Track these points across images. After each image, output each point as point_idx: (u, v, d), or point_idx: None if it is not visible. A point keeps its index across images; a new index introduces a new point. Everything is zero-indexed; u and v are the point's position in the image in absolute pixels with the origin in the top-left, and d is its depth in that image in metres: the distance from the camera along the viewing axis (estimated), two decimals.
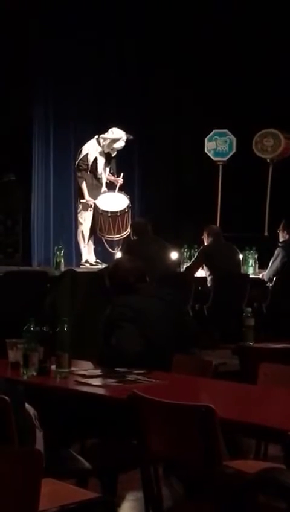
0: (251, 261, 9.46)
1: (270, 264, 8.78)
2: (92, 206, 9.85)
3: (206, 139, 11.37)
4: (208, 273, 8.90)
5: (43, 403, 3.77)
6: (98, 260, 9.96)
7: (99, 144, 9.97)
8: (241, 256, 9.31)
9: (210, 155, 11.38)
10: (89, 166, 9.88)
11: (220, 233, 9.32)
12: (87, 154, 9.93)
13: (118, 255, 9.36)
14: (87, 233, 9.91)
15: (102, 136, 9.99)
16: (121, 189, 10.10)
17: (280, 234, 8.90)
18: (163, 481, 3.79)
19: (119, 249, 9.75)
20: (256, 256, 9.52)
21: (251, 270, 9.39)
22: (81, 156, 9.96)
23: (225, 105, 11.24)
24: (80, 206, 9.98)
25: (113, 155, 10.10)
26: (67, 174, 11.29)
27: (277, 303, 8.23)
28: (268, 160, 11.18)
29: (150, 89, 11.83)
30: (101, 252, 10.14)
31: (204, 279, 8.90)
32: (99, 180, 9.97)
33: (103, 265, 9.35)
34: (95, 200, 9.88)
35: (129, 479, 4.17)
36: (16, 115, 11.22)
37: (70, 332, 4.37)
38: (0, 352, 4.50)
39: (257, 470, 3.40)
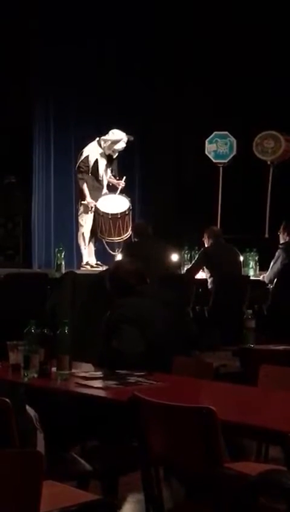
0: (251, 263, 9.46)
1: (270, 265, 8.78)
2: (93, 208, 9.86)
3: (206, 141, 11.37)
4: (208, 275, 8.90)
5: (44, 405, 3.77)
6: (98, 262, 9.95)
7: (100, 145, 9.97)
8: (241, 258, 9.32)
9: (211, 157, 11.38)
10: (90, 168, 9.88)
11: (221, 235, 9.32)
12: (88, 156, 9.93)
13: (119, 257, 9.36)
14: (87, 235, 9.91)
15: (103, 137, 9.99)
16: (122, 191, 10.10)
17: (281, 236, 8.90)
18: (164, 483, 3.79)
19: (120, 251, 9.75)
20: (257, 258, 9.52)
21: (252, 271, 9.39)
22: (82, 158, 9.95)
23: (225, 107, 11.25)
24: (81, 208, 9.98)
25: (114, 157, 10.10)
26: (67, 176, 11.29)
27: (277, 305, 8.23)
28: (269, 162, 11.18)
29: (150, 91, 11.83)
30: (102, 254, 10.14)
31: (205, 281, 8.90)
32: (100, 182, 9.96)
33: (104, 267, 9.34)
34: (96, 202, 9.88)
35: (130, 480, 4.17)
36: (16, 117, 11.23)
37: (71, 334, 4.38)
38: (1, 354, 4.50)
39: (257, 471, 3.40)
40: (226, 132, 11.30)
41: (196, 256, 9.28)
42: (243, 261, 9.37)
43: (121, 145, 9.97)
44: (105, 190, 10.01)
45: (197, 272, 9.08)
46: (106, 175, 10.01)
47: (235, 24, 11.34)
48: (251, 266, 9.44)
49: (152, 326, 4.61)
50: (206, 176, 11.42)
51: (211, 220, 10.62)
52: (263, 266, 9.29)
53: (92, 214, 9.87)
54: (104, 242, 9.97)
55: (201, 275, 9.07)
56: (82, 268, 9.82)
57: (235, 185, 11.29)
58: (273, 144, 11.07)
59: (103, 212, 9.78)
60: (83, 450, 4.28)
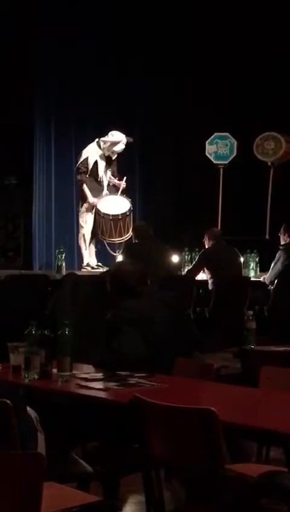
0: (252, 264, 9.46)
1: (271, 267, 8.78)
2: (94, 209, 9.85)
3: (207, 142, 11.38)
4: (209, 276, 8.90)
5: (44, 406, 3.77)
6: (99, 263, 9.96)
7: (99, 147, 9.97)
8: (242, 259, 9.32)
9: (211, 158, 11.38)
10: (89, 169, 9.89)
11: (221, 236, 9.32)
12: (87, 157, 9.93)
13: (120, 258, 9.36)
14: (88, 236, 9.91)
15: (102, 139, 10.00)
16: (123, 192, 10.10)
17: (281, 237, 8.91)
18: (164, 484, 3.79)
19: (120, 252, 9.75)
20: (257, 259, 9.53)
21: (252, 273, 9.39)
22: (81, 159, 9.96)
23: (225, 109, 11.25)
24: (82, 209, 9.98)
25: (113, 158, 10.10)
26: (68, 177, 11.29)
27: (278, 306, 8.23)
28: (269, 163, 11.18)
29: (151, 92, 11.84)
30: (102, 255, 10.14)
31: (205, 282, 8.90)
32: (99, 183, 9.97)
33: (104, 269, 9.34)
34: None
35: (131, 482, 4.16)
36: (17, 118, 11.23)
37: (72, 336, 4.37)
38: (2, 355, 4.50)
39: (258, 473, 3.40)
40: (227, 133, 11.30)
41: (197, 258, 9.28)
42: (244, 262, 9.38)
43: (120, 147, 9.97)
44: (105, 191, 10.01)
45: (198, 273, 9.08)
46: (105, 176, 10.02)
47: (236, 25, 11.34)
48: (251, 267, 9.44)
49: (153, 327, 4.61)
50: (207, 177, 11.42)
51: (211, 221, 10.62)
52: (264, 267, 9.29)
53: (93, 215, 9.88)
54: (105, 243, 9.97)
55: (202, 276, 9.07)
56: (83, 270, 9.82)
57: (235, 186, 11.29)
58: (274, 145, 11.07)
59: (103, 213, 9.78)
60: (83, 451, 4.28)
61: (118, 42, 11.79)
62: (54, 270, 9.45)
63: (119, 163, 10.32)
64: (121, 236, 9.80)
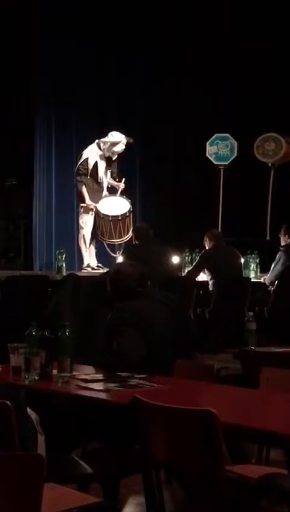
0: (252, 265, 9.46)
1: (271, 268, 8.78)
2: (94, 210, 9.86)
3: (207, 143, 11.38)
4: (209, 277, 8.90)
5: (44, 407, 3.77)
6: (99, 264, 9.96)
7: (99, 147, 9.98)
8: (242, 260, 9.32)
9: (211, 159, 11.38)
10: (89, 170, 9.89)
11: (221, 238, 9.33)
12: (87, 158, 9.94)
13: (120, 259, 9.37)
14: (88, 237, 9.91)
15: (102, 139, 10.00)
16: (123, 193, 10.11)
17: (282, 238, 8.91)
18: (165, 485, 3.79)
19: (120, 253, 9.75)
20: (258, 260, 9.53)
21: (253, 274, 9.39)
22: (81, 160, 9.97)
23: (226, 110, 11.25)
24: (81, 210, 9.98)
25: (113, 159, 10.11)
26: (68, 178, 11.30)
27: (278, 307, 8.22)
28: (269, 165, 11.19)
29: (151, 93, 11.84)
30: (103, 256, 10.14)
31: (206, 283, 8.90)
32: (100, 184, 9.97)
33: (105, 270, 9.34)
34: (96, 204, 9.88)
35: (131, 483, 4.16)
36: (17, 119, 11.24)
37: (72, 337, 4.37)
38: (2, 356, 4.50)
39: (259, 474, 3.40)
40: (227, 134, 11.30)
41: (197, 259, 9.28)
42: (244, 263, 9.38)
43: (120, 147, 9.97)
44: (105, 192, 10.02)
45: (198, 274, 9.08)
46: (105, 177, 10.02)
47: (236, 25, 11.35)
48: (251, 268, 9.44)
49: (153, 328, 4.61)
50: (207, 178, 11.43)
51: (212, 222, 10.62)
52: (264, 268, 9.29)
53: (93, 216, 9.88)
54: (105, 244, 9.97)
55: (202, 277, 9.07)
56: (83, 271, 9.82)
57: (236, 187, 11.29)
58: (274, 146, 11.07)
59: (103, 214, 9.79)
60: (83, 452, 4.28)
61: (118, 42, 11.80)
62: (54, 271, 9.46)
63: (120, 164, 10.33)
64: (121, 238, 9.81)
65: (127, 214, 9.85)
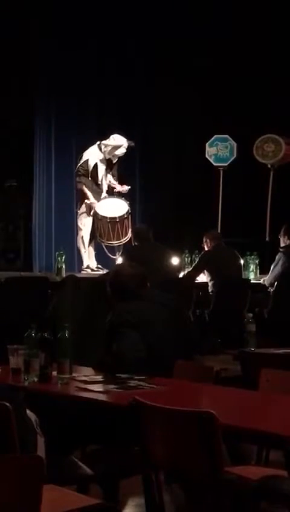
0: (252, 266, 9.46)
1: (271, 269, 8.78)
2: (92, 211, 9.85)
3: (207, 145, 11.37)
4: (209, 278, 8.90)
5: (44, 409, 3.77)
6: (99, 266, 9.95)
7: (100, 150, 9.97)
8: (242, 262, 9.32)
9: (211, 160, 11.38)
10: (89, 172, 9.89)
11: (221, 239, 9.33)
12: (87, 160, 9.93)
13: (119, 260, 9.37)
14: (87, 238, 9.91)
15: (103, 142, 9.99)
16: (121, 194, 10.10)
17: (281, 239, 8.90)
18: (164, 487, 3.79)
19: (120, 254, 9.75)
20: (257, 262, 9.53)
21: (252, 275, 9.39)
22: (82, 161, 9.97)
23: (225, 111, 11.25)
24: (80, 211, 9.97)
25: (114, 161, 10.10)
26: (68, 179, 11.30)
27: (278, 308, 8.22)
28: (269, 166, 11.19)
29: (151, 94, 11.84)
30: (102, 257, 10.13)
31: (205, 284, 8.90)
32: (99, 186, 9.97)
33: (104, 271, 9.35)
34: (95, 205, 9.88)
35: (130, 485, 4.16)
36: (17, 120, 11.24)
37: (72, 338, 4.37)
38: (2, 358, 4.50)
39: (258, 476, 3.40)
40: (227, 135, 11.30)
41: (197, 260, 9.28)
42: (244, 264, 9.38)
43: (121, 151, 9.97)
44: (104, 194, 10.01)
45: (198, 275, 9.08)
46: (105, 179, 10.02)
47: (236, 26, 11.35)
48: (251, 270, 9.45)
49: (153, 330, 4.61)
50: (207, 179, 11.43)
51: (211, 224, 10.62)
52: (264, 270, 9.29)
53: (91, 217, 9.87)
54: (103, 246, 9.97)
55: (202, 278, 9.06)
56: (82, 272, 9.82)
57: (235, 188, 11.29)
58: (274, 147, 11.07)
59: (101, 216, 9.78)
60: (83, 454, 4.28)
61: (118, 43, 11.80)
62: (54, 272, 9.46)
63: (119, 165, 10.33)
64: (119, 239, 9.80)
65: (125, 216, 9.84)
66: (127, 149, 10.01)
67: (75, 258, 10.66)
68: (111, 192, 10.08)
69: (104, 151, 9.94)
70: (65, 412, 4.13)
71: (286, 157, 11.14)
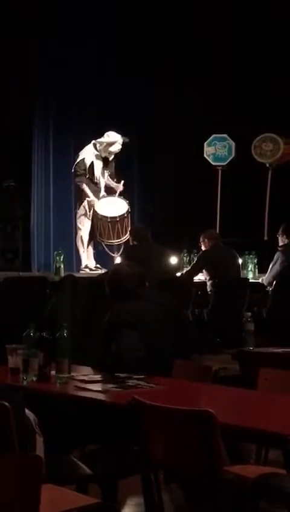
0: (250, 266, 9.46)
1: (269, 268, 8.78)
2: (92, 210, 9.85)
3: (205, 144, 11.38)
4: (207, 277, 8.90)
5: (43, 408, 3.76)
6: (97, 265, 9.95)
7: (95, 148, 9.97)
8: (240, 261, 9.32)
9: (209, 160, 11.39)
10: (86, 171, 9.88)
11: (219, 238, 9.34)
12: (83, 159, 9.93)
13: (118, 259, 9.37)
14: (86, 238, 9.90)
15: (98, 140, 9.99)
16: (120, 194, 10.10)
17: (280, 238, 8.90)
18: (164, 487, 3.79)
19: (118, 254, 9.75)
20: (256, 261, 9.53)
21: (251, 274, 9.39)
22: (78, 161, 9.96)
23: (224, 110, 11.25)
24: (79, 211, 9.96)
25: (110, 159, 10.10)
26: (67, 179, 11.28)
27: (276, 307, 8.22)
28: (267, 165, 11.19)
29: (150, 94, 11.84)
30: (101, 257, 10.13)
31: (204, 283, 8.90)
32: (97, 184, 9.96)
33: (103, 270, 9.35)
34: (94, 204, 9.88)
35: (130, 484, 4.16)
36: (15, 120, 11.24)
37: (70, 338, 4.37)
38: (0, 358, 4.50)
39: (257, 475, 3.40)
40: (225, 135, 11.30)
41: (195, 259, 9.28)
42: (242, 263, 9.38)
43: (116, 147, 9.96)
44: (102, 193, 10.00)
45: (196, 274, 9.09)
46: (102, 177, 10.01)
47: (234, 26, 11.35)
48: (250, 269, 9.45)
49: (151, 329, 4.61)
50: (205, 178, 11.43)
51: (210, 223, 10.62)
52: (262, 269, 9.29)
53: (91, 217, 9.87)
54: (104, 245, 9.96)
55: (200, 277, 9.06)
56: (81, 272, 9.82)
57: (234, 187, 11.29)
58: (272, 147, 11.08)
59: (101, 216, 9.78)
60: (82, 453, 4.28)
61: (117, 43, 11.80)
62: (52, 272, 9.46)
63: (118, 165, 10.32)
64: (119, 238, 9.80)
65: (125, 215, 9.84)
66: (122, 145, 10.00)
67: (74, 258, 10.66)
68: (109, 190, 10.08)
69: (100, 149, 9.94)
70: (64, 411, 4.13)
71: (284, 157, 11.15)
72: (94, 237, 9.92)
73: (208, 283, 8.84)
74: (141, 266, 5.22)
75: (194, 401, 3.98)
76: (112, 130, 10.07)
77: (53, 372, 4.31)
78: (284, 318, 7.67)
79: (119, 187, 10.02)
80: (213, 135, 11.33)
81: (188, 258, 9.68)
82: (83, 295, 7.93)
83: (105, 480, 4.09)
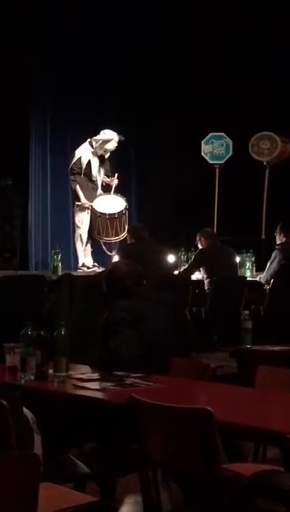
0: (248, 264, 9.47)
1: (267, 266, 8.78)
2: (89, 209, 9.85)
3: (202, 142, 11.38)
4: (205, 275, 8.90)
5: (41, 407, 3.76)
6: (95, 263, 9.96)
7: (92, 146, 9.98)
8: (238, 259, 9.32)
9: (207, 158, 11.39)
10: (83, 169, 9.89)
11: (215, 236, 9.34)
12: (80, 157, 9.94)
13: (116, 257, 9.37)
14: (85, 236, 9.91)
15: (94, 138, 10.01)
16: (118, 191, 10.10)
17: (277, 237, 8.91)
18: (162, 485, 3.79)
19: (116, 252, 9.75)
20: (253, 259, 9.54)
21: (248, 272, 9.40)
22: (74, 159, 9.97)
23: (221, 108, 11.25)
24: (77, 210, 9.98)
25: (106, 157, 10.11)
26: (64, 178, 11.28)
27: (274, 305, 8.23)
28: (265, 163, 11.19)
29: (147, 92, 11.84)
30: (98, 255, 10.13)
31: (201, 282, 8.90)
32: (94, 182, 9.97)
33: (101, 269, 9.34)
34: (91, 202, 9.88)
35: (128, 482, 4.16)
36: (13, 119, 11.23)
37: (68, 336, 4.37)
38: None
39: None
40: (222, 133, 11.30)
41: (193, 257, 9.28)
42: (240, 262, 9.38)
43: (112, 145, 9.97)
44: (100, 190, 10.01)
45: (194, 272, 9.09)
46: (99, 175, 10.02)
47: (233, 25, 11.34)
48: (247, 267, 9.45)
49: (149, 327, 4.61)
50: (203, 177, 11.43)
51: (207, 221, 10.62)
52: (260, 267, 9.30)
53: (89, 215, 9.87)
54: (102, 243, 9.96)
55: (198, 276, 9.07)
56: (79, 270, 9.82)
57: (231, 185, 11.29)
58: (269, 145, 11.08)
59: (100, 213, 9.78)
60: (80, 452, 4.28)
61: (116, 42, 11.79)
62: (50, 271, 9.45)
63: (116, 163, 10.32)
64: (118, 235, 9.80)
65: (124, 212, 9.85)
66: (118, 143, 10.01)
67: (71, 256, 10.66)
68: (106, 188, 10.09)
69: (96, 147, 9.95)
70: (62, 410, 4.13)
71: (282, 155, 11.15)
72: (93, 235, 9.92)
73: (206, 281, 8.84)
74: (139, 264, 5.22)
75: (192, 399, 3.98)
76: (110, 129, 10.08)
77: (51, 371, 4.31)
78: (281, 316, 7.67)
79: (114, 181, 10.02)
80: (210, 133, 11.33)
81: (185, 256, 9.68)
82: (80, 294, 7.92)
83: (103, 479, 4.09)
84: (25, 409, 3.56)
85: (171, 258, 9.29)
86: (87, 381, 4.22)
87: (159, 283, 7.11)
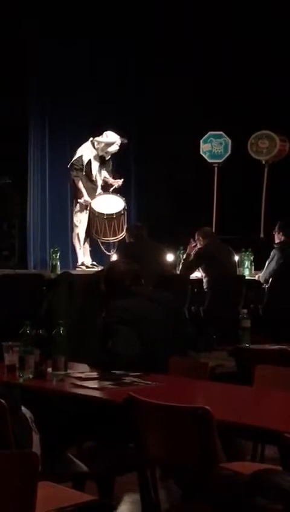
0: (246, 263, 9.47)
1: (266, 265, 8.78)
2: (88, 207, 9.85)
3: (201, 141, 11.38)
4: (204, 274, 8.90)
5: (39, 405, 3.76)
6: (94, 262, 9.96)
7: (93, 146, 9.97)
8: (237, 258, 9.32)
9: (205, 157, 11.39)
10: (83, 167, 9.89)
11: (213, 236, 9.34)
12: (81, 155, 9.94)
13: (114, 257, 9.37)
14: (82, 235, 9.91)
15: (96, 139, 9.99)
16: (117, 191, 10.10)
17: (276, 235, 8.90)
18: (160, 483, 3.79)
19: (115, 251, 9.75)
20: (252, 258, 9.53)
21: (247, 271, 9.40)
22: (76, 157, 9.96)
23: (220, 107, 11.25)
24: (76, 208, 9.97)
25: (107, 158, 10.10)
26: (63, 177, 11.28)
27: (273, 304, 8.23)
28: (263, 162, 11.19)
29: (146, 91, 11.84)
30: (97, 254, 10.13)
31: (200, 281, 8.90)
32: (93, 182, 9.97)
33: (99, 268, 9.34)
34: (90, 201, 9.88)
35: (126, 481, 4.16)
36: (11, 118, 11.21)
37: (67, 335, 4.37)
38: None
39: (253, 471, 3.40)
40: (221, 132, 11.30)
41: (191, 256, 9.28)
42: (239, 261, 9.38)
43: (114, 148, 9.97)
44: (99, 190, 10.01)
45: (192, 272, 9.08)
46: (99, 176, 10.01)
47: (232, 25, 11.34)
48: (246, 266, 9.45)
49: (148, 326, 4.61)
50: (201, 176, 11.43)
51: (206, 220, 10.62)
52: (259, 266, 9.29)
53: (87, 214, 9.87)
54: (99, 242, 9.96)
55: (196, 274, 9.07)
56: (77, 269, 9.82)
57: (230, 184, 11.30)
58: (268, 144, 11.08)
59: (98, 213, 9.78)
60: (78, 450, 4.28)
61: (114, 42, 11.78)
62: (48, 270, 9.45)
63: (114, 162, 10.31)
64: (116, 236, 9.80)
65: (122, 212, 9.85)
66: (120, 146, 10.01)
67: (70, 255, 10.66)
68: (106, 188, 10.08)
69: (97, 148, 9.95)
70: (60, 408, 4.13)
71: (280, 154, 11.16)
72: (91, 234, 9.92)
73: (204, 280, 8.84)
74: (137, 263, 5.22)
75: (190, 398, 3.98)
76: (109, 128, 10.07)
77: (49, 370, 4.31)
78: (280, 315, 7.68)
79: (119, 182, 10.02)
80: (209, 132, 11.33)
81: (184, 255, 9.67)
82: (79, 292, 7.92)
83: (101, 478, 4.09)
84: (23, 408, 3.56)
85: (169, 257, 9.28)
86: (85, 380, 4.22)
87: (157, 282, 7.11)
